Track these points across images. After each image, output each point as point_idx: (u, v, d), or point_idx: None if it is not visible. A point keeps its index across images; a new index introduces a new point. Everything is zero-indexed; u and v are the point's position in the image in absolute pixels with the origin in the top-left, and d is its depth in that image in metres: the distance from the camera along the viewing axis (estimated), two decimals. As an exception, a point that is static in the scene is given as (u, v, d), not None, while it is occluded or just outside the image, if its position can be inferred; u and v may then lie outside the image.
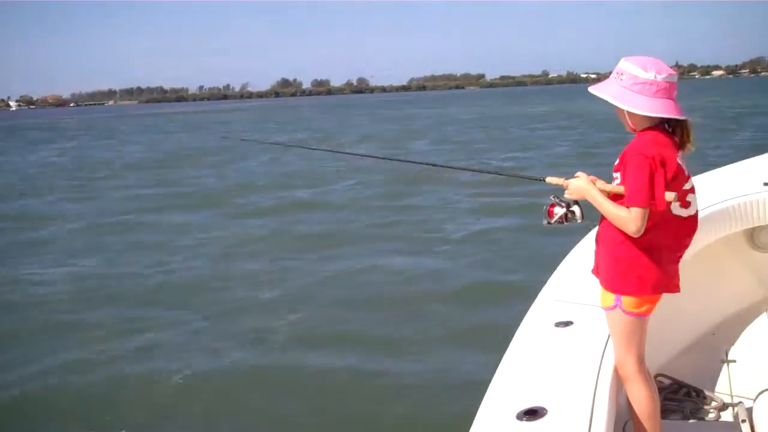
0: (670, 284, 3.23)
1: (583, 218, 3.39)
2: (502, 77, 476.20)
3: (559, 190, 3.40)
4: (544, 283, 4.17)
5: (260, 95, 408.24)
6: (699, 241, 4.75)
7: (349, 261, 12.20)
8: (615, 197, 3.11)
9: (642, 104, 3.03)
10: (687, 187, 3.18)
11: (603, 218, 3.23)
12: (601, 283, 3.29)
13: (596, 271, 3.37)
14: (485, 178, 19.33)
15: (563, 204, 3.36)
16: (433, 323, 8.87)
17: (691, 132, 3.14)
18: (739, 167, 6.38)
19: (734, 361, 4.63)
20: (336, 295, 10.26)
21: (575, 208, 3.37)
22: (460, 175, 21.08)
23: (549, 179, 3.49)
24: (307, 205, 18.37)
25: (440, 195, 18.77)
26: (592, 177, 3.30)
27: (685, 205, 3.19)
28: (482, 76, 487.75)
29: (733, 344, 4.94)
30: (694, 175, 5.65)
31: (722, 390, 4.32)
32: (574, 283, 4.01)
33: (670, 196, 2.98)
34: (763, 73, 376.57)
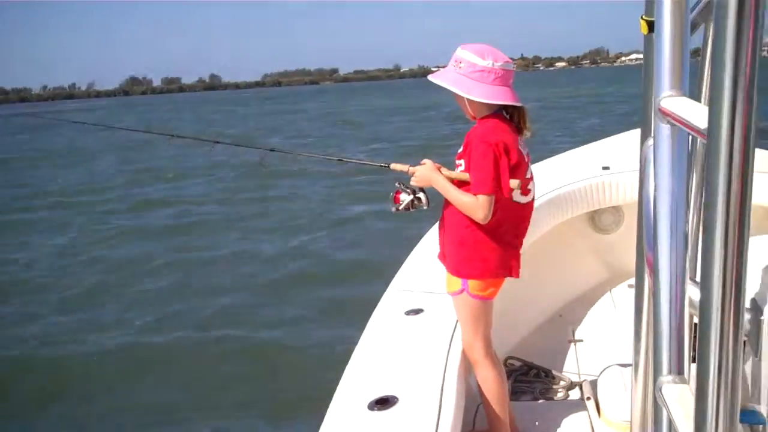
0: (513, 268, 3.27)
1: (428, 205, 3.40)
2: (356, 72, 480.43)
3: (405, 178, 3.40)
4: (397, 265, 4.19)
5: (108, 94, 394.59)
6: (544, 225, 4.91)
7: (210, 250, 12.36)
8: (460, 184, 3.14)
9: (481, 91, 3.05)
10: (528, 174, 3.22)
11: (446, 204, 3.25)
12: (448, 268, 3.31)
13: (442, 257, 3.39)
14: (337, 169, 19.56)
15: (409, 191, 3.36)
16: (297, 303, 9.23)
17: (527, 118, 3.20)
18: (579, 152, 6.54)
19: (581, 341, 4.76)
20: (202, 283, 10.48)
21: (421, 195, 3.37)
22: (312, 166, 21.19)
23: (393, 166, 3.49)
24: (164, 201, 18.12)
25: (294, 185, 18.97)
26: (437, 164, 3.31)
27: (526, 192, 3.23)
28: (336, 70, 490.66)
29: (579, 324, 5.07)
30: (538, 162, 5.72)
31: (570, 369, 4.42)
32: (424, 271, 4.02)
33: (514, 183, 3.04)
34: (602, 64, 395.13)
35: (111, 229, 14.96)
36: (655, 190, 1.36)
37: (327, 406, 2.80)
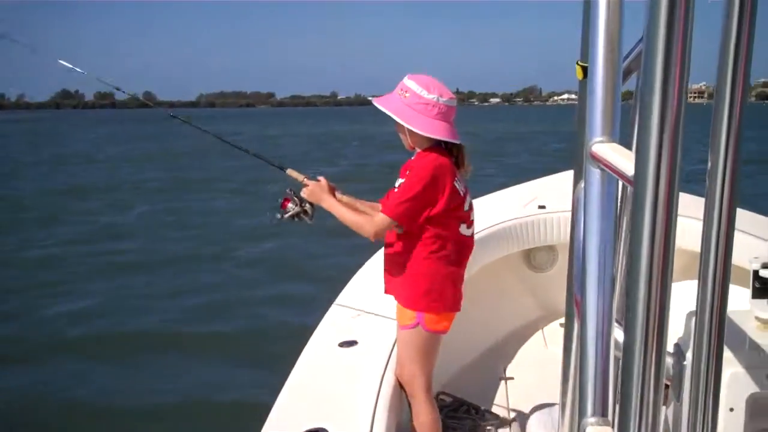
0: (460, 302, 3.27)
1: (312, 220, 3.34)
2: (293, 97, 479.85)
3: (297, 186, 3.34)
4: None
5: (39, 106, 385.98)
6: (480, 260, 4.91)
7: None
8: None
9: (422, 124, 3.03)
10: (466, 207, 3.21)
11: (395, 237, 3.21)
12: (400, 301, 3.26)
13: (391, 291, 3.33)
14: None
15: (297, 201, 3.29)
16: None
17: (466, 156, 3.20)
18: (515, 191, 6.58)
19: (512, 378, 4.77)
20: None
21: (308, 208, 3.31)
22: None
23: (290, 171, 3.43)
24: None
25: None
26: (332, 185, 3.31)
27: (470, 224, 3.25)
28: (272, 95, 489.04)
29: (510, 361, 5.07)
30: (475, 198, 5.98)
31: (500, 406, 4.41)
32: (360, 302, 4.02)
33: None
34: (535, 102, 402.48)
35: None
36: (584, 233, 1.36)
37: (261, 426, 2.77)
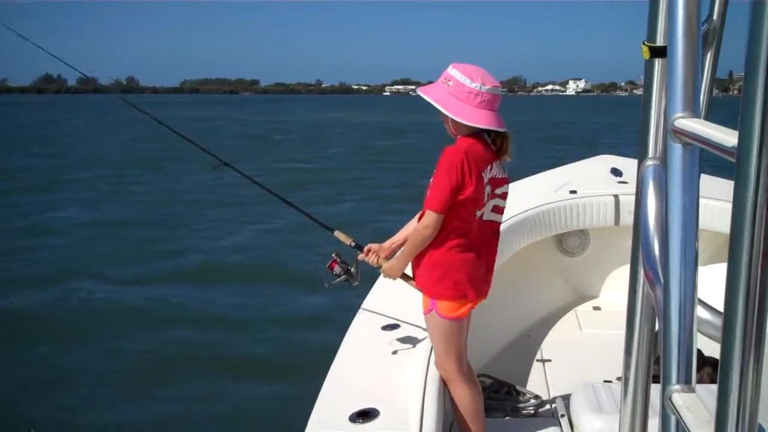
0: (484, 289, 3.29)
1: (357, 281, 3.46)
2: (277, 84, 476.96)
3: (342, 248, 3.43)
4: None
5: (22, 90, 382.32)
6: (512, 247, 5.04)
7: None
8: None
9: (466, 113, 3.07)
10: (499, 191, 3.25)
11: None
12: (419, 287, 3.31)
13: (415, 277, 3.36)
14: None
15: (343, 264, 3.36)
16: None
17: (510, 143, 3.23)
18: (546, 176, 6.61)
19: (549, 360, 4.89)
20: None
21: (353, 270, 3.41)
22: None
23: (337, 233, 3.53)
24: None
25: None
26: (383, 245, 3.41)
27: (499, 210, 3.27)
28: (256, 81, 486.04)
29: (547, 344, 5.18)
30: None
31: (539, 387, 4.51)
32: (397, 289, 3.95)
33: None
34: (519, 92, 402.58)
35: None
36: (667, 208, 1.36)
37: (307, 417, 2.82)
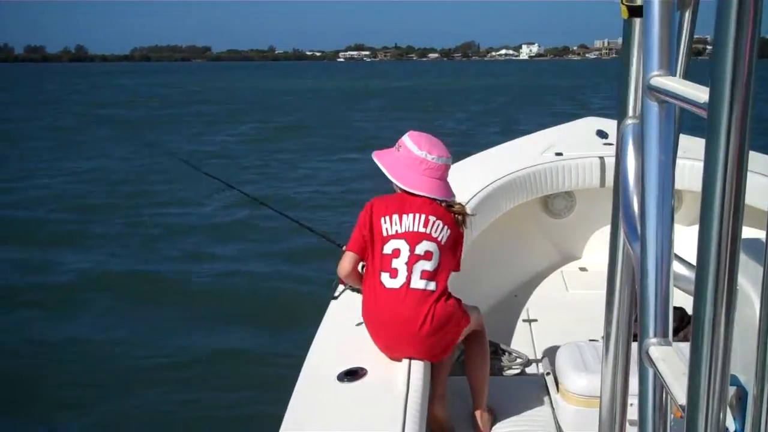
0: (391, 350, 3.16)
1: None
2: (229, 51, 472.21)
3: None
4: None
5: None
6: (499, 208, 5.10)
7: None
8: None
9: (407, 178, 3.19)
10: (403, 251, 3.09)
11: None
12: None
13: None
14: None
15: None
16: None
17: (461, 209, 3.28)
18: (533, 138, 6.69)
19: (535, 320, 4.94)
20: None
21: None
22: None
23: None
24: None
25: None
26: None
27: (394, 275, 3.08)
28: (208, 49, 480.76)
29: (533, 304, 5.25)
30: (490, 148, 6.11)
31: (526, 347, 4.56)
32: None
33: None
34: (474, 57, 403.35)
35: None
36: (644, 165, 1.39)
37: (295, 378, 2.82)
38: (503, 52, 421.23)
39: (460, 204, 3.29)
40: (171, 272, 9.99)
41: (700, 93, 1.17)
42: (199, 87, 72.32)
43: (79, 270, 10.08)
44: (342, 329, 3.22)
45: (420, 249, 3.06)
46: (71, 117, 34.68)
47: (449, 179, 3.30)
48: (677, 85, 1.29)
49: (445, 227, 3.12)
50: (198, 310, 8.42)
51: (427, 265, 3.06)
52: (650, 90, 1.35)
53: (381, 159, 3.28)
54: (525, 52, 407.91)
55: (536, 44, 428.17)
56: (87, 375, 6.76)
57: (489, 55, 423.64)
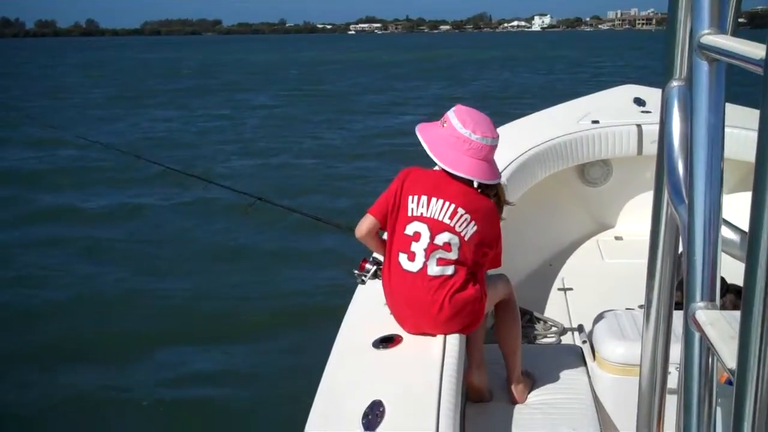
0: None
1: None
2: (240, 24, 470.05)
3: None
4: None
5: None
6: (534, 177, 5.10)
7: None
8: None
9: (448, 158, 3.01)
10: (412, 233, 3.01)
11: None
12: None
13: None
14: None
15: (373, 262, 3.34)
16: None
17: (502, 195, 3.18)
18: (568, 107, 6.58)
19: (570, 289, 4.97)
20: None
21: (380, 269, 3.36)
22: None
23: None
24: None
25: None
26: None
27: (412, 257, 3.01)
28: (219, 22, 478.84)
29: (568, 273, 5.26)
30: (521, 118, 6.08)
31: (561, 316, 4.58)
32: None
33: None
34: (485, 29, 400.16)
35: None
36: (692, 128, 1.35)
37: (330, 346, 2.85)
38: (515, 23, 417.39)
39: (500, 185, 3.17)
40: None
41: (756, 50, 1.14)
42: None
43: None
44: (373, 305, 3.18)
45: (440, 239, 2.95)
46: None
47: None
48: (730, 42, 1.26)
49: (473, 223, 2.98)
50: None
51: (446, 255, 2.96)
52: (700, 49, 1.32)
53: (423, 133, 3.09)
54: (537, 24, 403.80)
55: (548, 15, 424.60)
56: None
57: (501, 26, 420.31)
